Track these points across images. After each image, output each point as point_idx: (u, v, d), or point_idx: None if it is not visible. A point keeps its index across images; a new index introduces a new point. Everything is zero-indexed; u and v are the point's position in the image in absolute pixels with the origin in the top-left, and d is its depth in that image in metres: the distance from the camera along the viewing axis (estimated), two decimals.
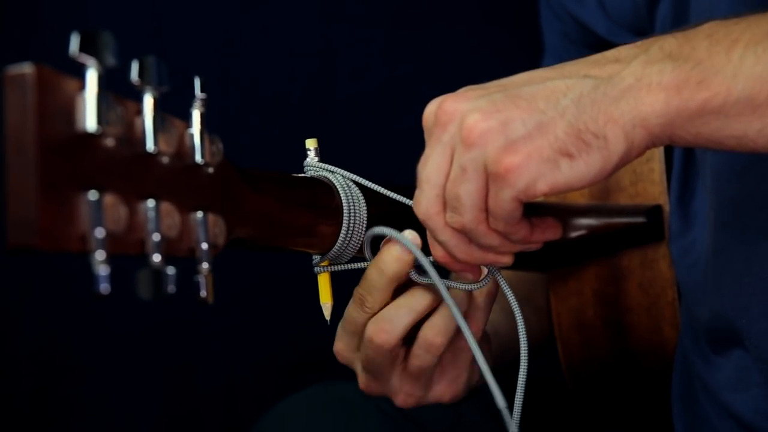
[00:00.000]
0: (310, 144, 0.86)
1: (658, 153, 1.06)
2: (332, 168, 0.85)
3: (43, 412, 1.76)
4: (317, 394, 1.15)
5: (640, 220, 1.04)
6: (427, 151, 0.76)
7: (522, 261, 1.05)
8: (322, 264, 0.86)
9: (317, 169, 0.85)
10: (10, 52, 1.61)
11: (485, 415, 1.18)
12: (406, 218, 0.85)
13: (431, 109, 0.77)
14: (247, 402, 1.75)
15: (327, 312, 0.86)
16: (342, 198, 0.83)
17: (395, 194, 0.85)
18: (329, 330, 1.76)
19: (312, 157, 0.85)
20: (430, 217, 0.77)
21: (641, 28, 1.10)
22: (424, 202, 0.77)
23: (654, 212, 1.04)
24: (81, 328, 1.76)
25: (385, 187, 0.86)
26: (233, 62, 1.68)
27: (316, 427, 1.03)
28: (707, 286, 0.96)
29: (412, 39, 1.75)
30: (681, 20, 1.01)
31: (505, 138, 0.72)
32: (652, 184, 1.06)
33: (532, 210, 1.04)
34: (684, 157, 1.02)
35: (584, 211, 1.05)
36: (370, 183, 0.85)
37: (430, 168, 0.76)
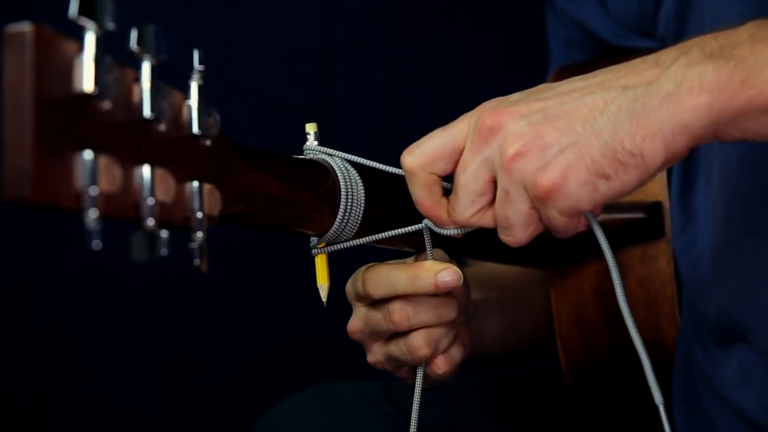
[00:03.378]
0: (310, 128, 0.87)
1: None
2: (331, 151, 0.86)
3: (44, 412, 1.76)
4: (317, 394, 1.16)
5: (639, 216, 1.05)
6: (468, 157, 0.78)
7: (522, 258, 1.06)
8: (320, 246, 0.86)
9: (316, 152, 0.86)
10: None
11: (484, 416, 1.18)
12: (403, 201, 0.86)
13: (474, 119, 0.78)
14: (247, 402, 1.75)
15: (324, 294, 0.87)
16: (340, 180, 0.84)
17: (394, 168, 0.86)
18: (329, 330, 1.76)
19: (311, 141, 0.87)
20: (467, 222, 0.80)
21: (646, 29, 1.10)
22: (460, 209, 0.80)
23: (654, 209, 1.05)
24: (81, 328, 1.76)
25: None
26: (233, 62, 1.69)
27: (316, 427, 1.03)
28: (713, 280, 0.96)
29: (412, 39, 1.76)
30: (683, 17, 1.01)
31: (542, 162, 0.73)
32: (652, 181, 1.06)
33: None
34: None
35: None
36: (371, 162, 0.86)
37: (469, 176, 0.78)
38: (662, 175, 1.06)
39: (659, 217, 1.05)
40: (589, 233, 1.06)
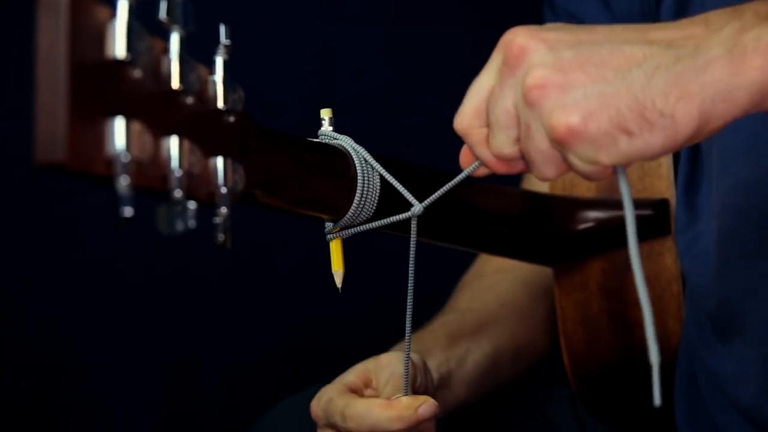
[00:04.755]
0: (325, 114, 0.87)
1: None
2: (346, 138, 0.85)
3: (44, 412, 1.75)
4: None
5: (646, 213, 1.05)
6: (496, 90, 0.73)
7: (526, 254, 1.06)
8: (334, 231, 0.86)
9: (332, 137, 0.86)
10: None
11: (485, 415, 1.18)
12: (420, 187, 0.86)
13: (508, 38, 0.72)
14: (247, 402, 1.74)
15: (339, 279, 0.87)
16: (357, 165, 0.83)
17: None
18: (329, 330, 1.76)
19: (326, 126, 0.87)
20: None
21: None
22: (497, 147, 0.73)
23: (660, 206, 1.05)
24: (82, 327, 1.75)
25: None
26: (233, 62, 1.69)
27: (316, 428, 1.02)
28: (715, 272, 0.96)
29: (412, 39, 1.76)
30: (682, 12, 1.02)
31: (561, 102, 0.68)
32: (659, 178, 1.06)
33: (535, 199, 1.05)
34: (691, 150, 1.03)
35: (591, 204, 1.06)
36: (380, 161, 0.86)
37: (499, 111, 0.72)
38: (669, 173, 1.06)
39: (666, 214, 1.05)
40: (593, 231, 1.06)
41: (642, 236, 1.06)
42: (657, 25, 0.71)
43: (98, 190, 1.48)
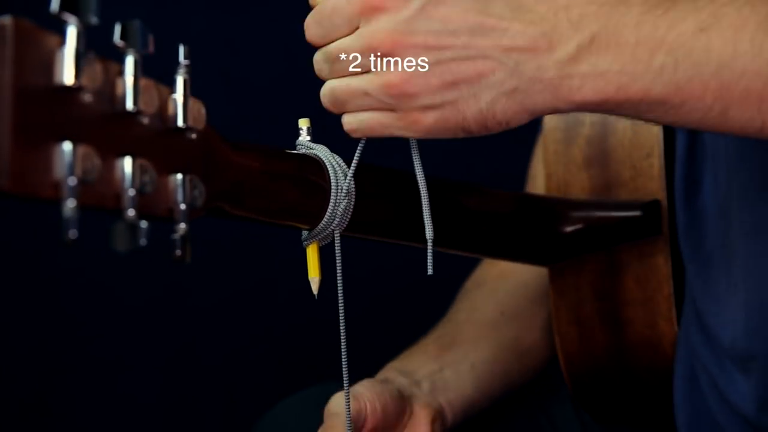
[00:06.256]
0: (303, 123, 0.88)
1: (658, 149, 1.06)
2: (322, 147, 0.87)
3: (44, 413, 1.77)
4: (317, 394, 1.16)
5: (636, 214, 1.05)
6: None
7: (520, 254, 1.06)
8: (310, 239, 0.88)
9: (308, 147, 0.87)
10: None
11: (484, 415, 1.19)
12: (399, 197, 0.87)
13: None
14: (247, 402, 1.75)
15: (315, 287, 0.88)
16: (330, 174, 0.85)
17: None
18: (329, 330, 1.76)
19: (304, 136, 0.88)
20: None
21: None
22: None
23: (651, 207, 1.05)
24: (81, 327, 1.77)
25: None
26: (233, 62, 1.70)
27: (316, 428, 1.04)
28: (724, 284, 0.97)
29: None
30: None
31: (421, 104, 0.78)
32: (651, 179, 1.06)
33: (524, 200, 1.05)
34: (687, 150, 1.03)
35: (582, 205, 1.06)
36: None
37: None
38: (661, 173, 1.06)
39: (657, 215, 1.05)
40: (584, 231, 1.06)
41: (633, 237, 1.06)
42: (517, 20, 0.77)
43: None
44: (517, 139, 1.22)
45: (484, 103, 0.78)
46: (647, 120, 0.79)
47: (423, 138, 0.81)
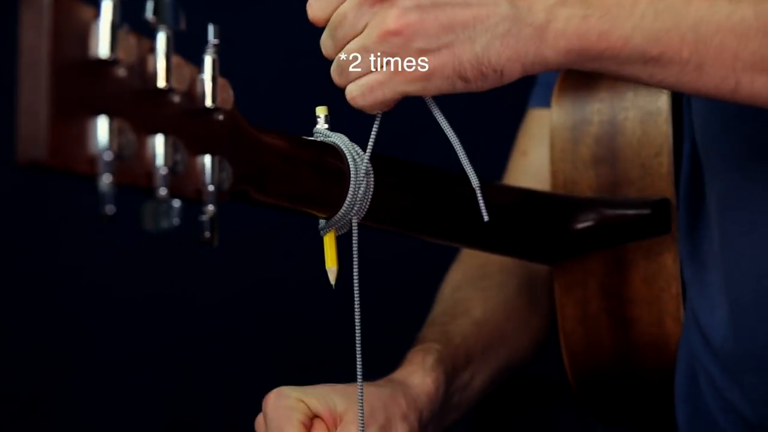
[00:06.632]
0: (321, 111, 0.88)
1: (667, 147, 1.06)
2: (340, 135, 0.86)
3: (43, 414, 1.76)
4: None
5: (646, 212, 1.05)
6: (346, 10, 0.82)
7: (527, 252, 1.06)
8: (328, 228, 0.86)
9: (326, 135, 0.86)
10: None
11: (485, 415, 1.18)
12: (417, 188, 0.86)
13: None
14: (247, 402, 1.74)
15: (332, 277, 0.87)
16: (350, 163, 0.84)
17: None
18: (329, 330, 1.75)
19: (321, 124, 0.87)
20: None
21: None
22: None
23: (660, 205, 1.05)
24: (81, 327, 1.75)
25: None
26: (233, 62, 1.68)
27: None
28: (716, 284, 0.97)
29: None
30: None
31: (419, 49, 0.79)
32: (660, 178, 1.06)
33: (534, 196, 1.05)
34: (692, 150, 1.03)
35: (590, 203, 1.06)
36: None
37: (348, 24, 0.82)
38: (670, 171, 1.06)
39: (666, 213, 1.05)
40: (593, 229, 1.06)
41: (642, 235, 1.05)
42: None
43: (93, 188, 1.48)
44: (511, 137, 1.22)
45: (479, 47, 0.79)
46: (625, 78, 0.81)
47: (421, 92, 0.82)
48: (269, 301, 1.77)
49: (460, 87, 0.81)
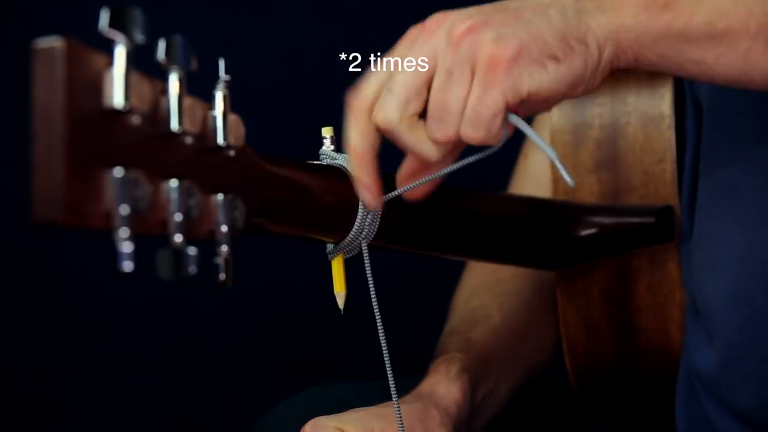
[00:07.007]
0: (326, 132, 0.86)
1: (670, 154, 1.05)
2: (347, 156, 0.84)
3: (43, 414, 1.75)
4: (316, 395, 1.14)
5: (650, 220, 1.04)
6: (402, 52, 0.80)
7: (530, 260, 1.05)
8: (336, 252, 0.85)
9: (333, 157, 0.85)
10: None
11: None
12: (421, 205, 0.85)
13: (417, 25, 0.81)
14: (247, 402, 1.74)
15: (341, 301, 0.86)
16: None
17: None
18: (329, 331, 1.75)
19: (328, 145, 0.86)
20: (401, 122, 0.79)
21: None
22: (391, 106, 0.79)
23: (665, 213, 1.04)
24: (82, 327, 1.75)
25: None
26: (233, 62, 1.66)
27: None
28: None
29: None
30: None
31: (496, 34, 0.76)
32: (663, 185, 1.05)
33: (537, 204, 1.04)
34: (694, 159, 1.02)
35: (594, 210, 1.05)
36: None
37: (406, 73, 0.79)
38: (673, 178, 1.05)
39: (670, 221, 1.04)
40: (597, 237, 1.05)
41: (646, 243, 1.05)
42: None
43: None
44: (517, 143, 1.21)
45: (557, 22, 0.77)
46: (687, 70, 0.79)
47: (519, 86, 0.77)
48: (269, 303, 1.77)
49: (551, 70, 0.77)
